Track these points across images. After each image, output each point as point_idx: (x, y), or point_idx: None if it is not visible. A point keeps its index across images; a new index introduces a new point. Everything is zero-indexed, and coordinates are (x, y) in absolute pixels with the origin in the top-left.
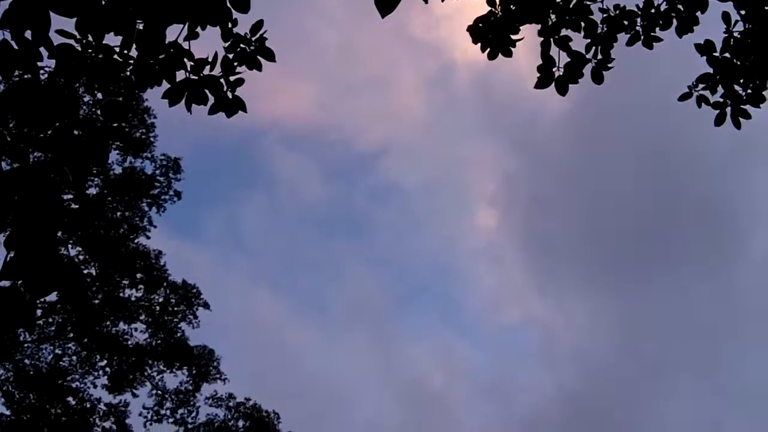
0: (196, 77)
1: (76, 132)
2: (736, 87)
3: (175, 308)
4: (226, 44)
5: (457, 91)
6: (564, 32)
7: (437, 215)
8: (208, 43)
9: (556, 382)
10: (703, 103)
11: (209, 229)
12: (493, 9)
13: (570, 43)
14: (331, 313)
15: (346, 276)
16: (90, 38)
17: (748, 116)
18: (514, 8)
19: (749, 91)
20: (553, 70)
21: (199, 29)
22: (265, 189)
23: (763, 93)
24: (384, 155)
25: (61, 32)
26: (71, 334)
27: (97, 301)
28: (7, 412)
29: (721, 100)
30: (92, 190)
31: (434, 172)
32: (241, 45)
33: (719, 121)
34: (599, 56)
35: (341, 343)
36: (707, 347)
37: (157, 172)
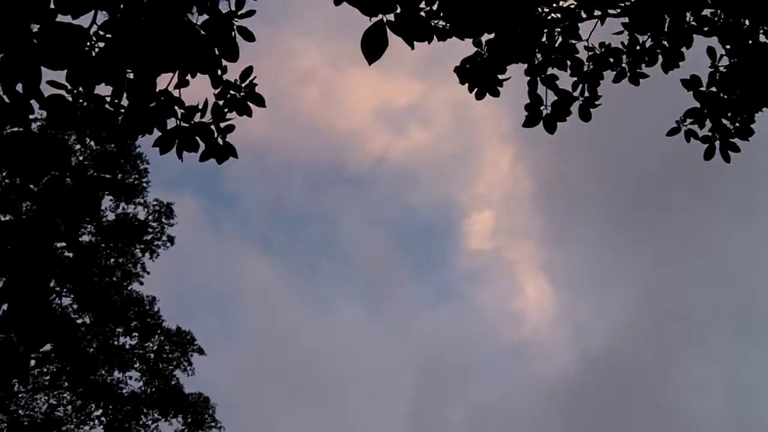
0: (187, 125)
1: (68, 181)
2: (724, 121)
3: (170, 355)
4: (216, 91)
5: None
6: (550, 71)
7: (444, 158)
8: (199, 90)
9: (578, 340)
10: (691, 138)
11: (192, 185)
12: (480, 50)
13: (557, 82)
14: (326, 277)
15: (344, 230)
16: (81, 89)
17: (737, 149)
18: (500, 48)
19: (737, 124)
20: (541, 108)
21: (189, 77)
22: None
23: (752, 126)
24: (383, 93)
25: (53, 83)
26: (66, 384)
27: (91, 350)
28: None
29: (710, 134)
30: (85, 237)
31: (439, 110)
32: (231, 91)
33: (708, 155)
34: (586, 93)
35: (341, 310)
36: (742, 298)
37: (150, 217)
